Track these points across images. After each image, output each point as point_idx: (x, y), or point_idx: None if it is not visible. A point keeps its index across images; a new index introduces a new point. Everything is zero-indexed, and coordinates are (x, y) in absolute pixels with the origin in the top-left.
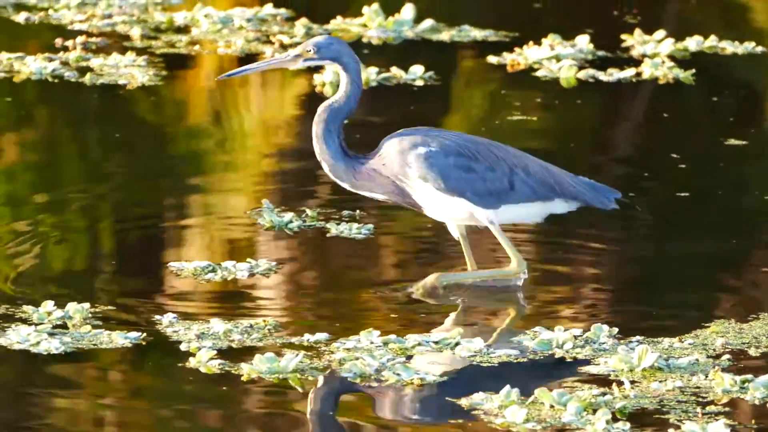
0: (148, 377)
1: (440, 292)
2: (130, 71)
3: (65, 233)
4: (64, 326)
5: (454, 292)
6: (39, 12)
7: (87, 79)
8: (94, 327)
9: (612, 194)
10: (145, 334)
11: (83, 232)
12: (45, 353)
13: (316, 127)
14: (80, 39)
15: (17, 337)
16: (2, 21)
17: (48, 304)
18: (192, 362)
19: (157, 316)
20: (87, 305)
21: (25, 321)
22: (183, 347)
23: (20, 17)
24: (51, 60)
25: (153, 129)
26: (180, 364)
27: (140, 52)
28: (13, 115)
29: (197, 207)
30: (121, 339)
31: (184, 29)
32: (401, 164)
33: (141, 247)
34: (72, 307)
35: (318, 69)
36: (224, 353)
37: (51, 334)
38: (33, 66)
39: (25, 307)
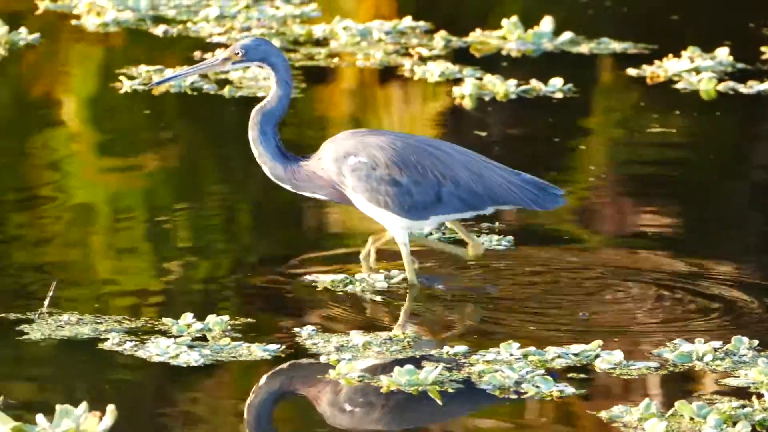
0: (286, 389)
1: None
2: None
3: (204, 246)
4: (204, 339)
5: (587, 308)
6: (178, 25)
7: (226, 91)
8: (234, 339)
9: (556, 191)
10: (284, 347)
11: (222, 245)
12: (184, 365)
13: (251, 132)
14: (219, 51)
15: (157, 350)
16: (141, 34)
17: (187, 317)
18: (332, 374)
19: (297, 329)
20: (226, 318)
21: (164, 333)
22: (322, 359)
23: (159, 30)
24: None
25: (292, 142)
26: (319, 376)
27: None
28: (152, 128)
29: (336, 221)
30: (260, 351)
31: (322, 42)
32: (337, 172)
33: (281, 259)
34: (211, 319)
35: (458, 81)
36: (364, 365)
37: (190, 347)
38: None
39: (164, 320)
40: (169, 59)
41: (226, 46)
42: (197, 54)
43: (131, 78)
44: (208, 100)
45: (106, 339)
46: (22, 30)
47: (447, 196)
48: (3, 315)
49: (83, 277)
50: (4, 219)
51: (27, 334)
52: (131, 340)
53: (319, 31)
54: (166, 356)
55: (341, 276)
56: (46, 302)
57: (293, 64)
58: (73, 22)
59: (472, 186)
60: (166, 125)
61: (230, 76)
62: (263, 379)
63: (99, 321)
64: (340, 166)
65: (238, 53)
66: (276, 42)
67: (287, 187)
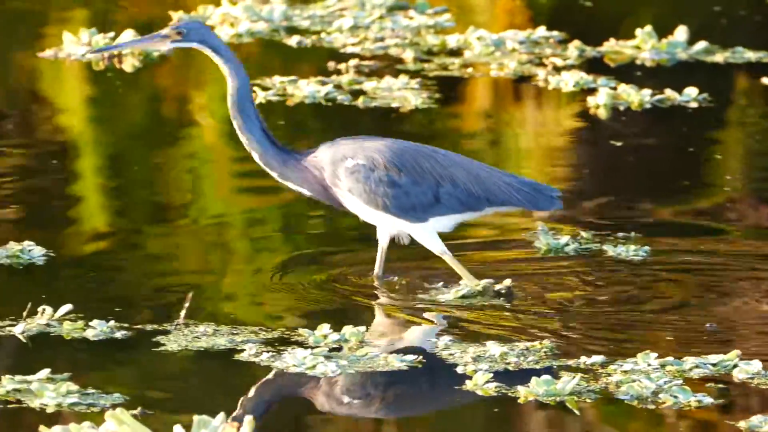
0: (423, 399)
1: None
2: (403, 94)
3: (340, 257)
4: (340, 349)
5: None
6: (311, 35)
7: (360, 102)
8: (371, 350)
9: (553, 192)
10: (420, 357)
11: (358, 255)
12: (321, 376)
13: (234, 121)
14: (353, 62)
15: (293, 360)
16: (275, 44)
17: (324, 328)
18: (468, 385)
19: (433, 339)
20: (363, 328)
21: (301, 344)
22: (459, 370)
23: (292, 41)
24: (324, 83)
25: None
26: (456, 387)
27: (413, 74)
28: (287, 138)
29: (472, 229)
30: (397, 362)
31: (456, 52)
32: (332, 175)
33: (416, 270)
34: (348, 330)
35: (592, 91)
36: (500, 375)
37: (327, 357)
38: (306, 89)
39: (300, 330)
40: (303, 70)
41: (359, 56)
42: (331, 64)
43: (265, 89)
44: (342, 111)
45: (242, 350)
46: None
47: (445, 197)
48: (140, 326)
49: (219, 288)
50: (141, 231)
51: (164, 345)
52: (268, 351)
53: (453, 41)
54: (303, 367)
55: (471, 286)
56: (183, 313)
57: (427, 74)
58: None
59: (471, 186)
60: (300, 136)
61: (365, 87)
62: (399, 390)
63: (235, 332)
64: (336, 169)
65: (179, 32)
66: (410, 52)
67: (274, 174)
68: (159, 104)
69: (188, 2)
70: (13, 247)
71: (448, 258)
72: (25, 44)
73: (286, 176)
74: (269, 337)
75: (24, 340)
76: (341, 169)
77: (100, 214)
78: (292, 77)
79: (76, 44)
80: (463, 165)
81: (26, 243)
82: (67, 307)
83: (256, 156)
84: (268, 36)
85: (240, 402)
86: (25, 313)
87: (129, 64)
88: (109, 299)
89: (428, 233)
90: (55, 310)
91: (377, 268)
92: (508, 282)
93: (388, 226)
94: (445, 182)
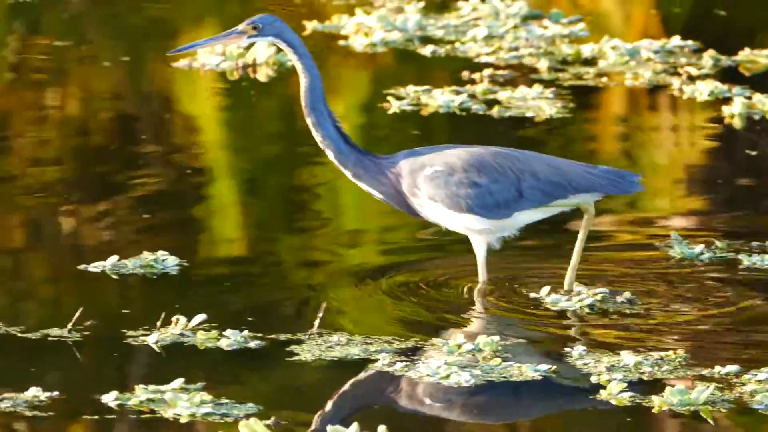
0: (557, 409)
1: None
2: (537, 104)
3: (474, 266)
4: (474, 359)
5: None
6: (446, 45)
7: (495, 111)
8: (504, 360)
9: (634, 177)
10: (555, 366)
11: (496, 265)
12: (455, 386)
13: (307, 119)
14: (487, 72)
15: (427, 370)
16: (409, 54)
17: (458, 337)
18: (602, 394)
19: (567, 348)
20: (497, 338)
21: (436, 354)
22: (593, 379)
23: (427, 50)
24: (458, 93)
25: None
26: (590, 396)
27: (548, 84)
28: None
29: (605, 236)
30: (531, 371)
31: (591, 61)
32: (411, 185)
33: (548, 278)
34: (482, 339)
35: (727, 100)
36: (635, 385)
37: (461, 367)
38: (440, 99)
39: (434, 340)
40: (437, 79)
41: (494, 66)
42: (465, 74)
43: (399, 98)
44: (476, 120)
45: (376, 359)
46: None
47: (528, 191)
48: (273, 336)
49: (353, 298)
50: (276, 241)
51: (297, 355)
52: (402, 361)
53: (587, 50)
54: (437, 376)
55: (601, 290)
56: (317, 323)
57: (562, 83)
58: (341, 42)
59: (552, 177)
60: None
61: (499, 96)
62: (533, 400)
63: (369, 342)
64: (416, 178)
65: (255, 27)
66: (544, 62)
67: (348, 173)
68: (293, 113)
69: (321, 12)
70: (147, 257)
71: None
72: (159, 54)
73: (359, 176)
74: (403, 346)
75: (158, 350)
76: (420, 177)
77: (234, 223)
78: (426, 87)
79: (210, 54)
80: (542, 159)
81: (160, 253)
82: (201, 316)
83: (330, 154)
84: (403, 45)
85: (374, 411)
86: (159, 323)
87: (263, 74)
88: (242, 309)
89: (482, 239)
90: (189, 320)
91: (482, 275)
92: (627, 294)
93: (471, 229)
94: (527, 176)
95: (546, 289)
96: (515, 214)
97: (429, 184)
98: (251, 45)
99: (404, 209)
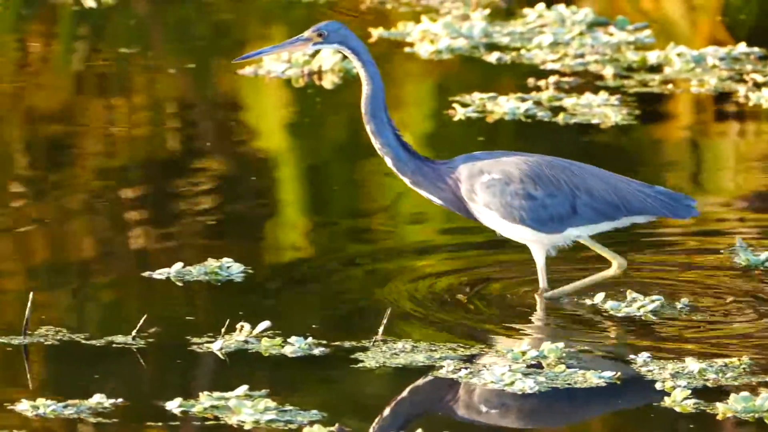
0: (621, 416)
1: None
2: (603, 111)
3: (521, 271)
4: (539, 366)
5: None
6: (511, 52)
7: (560, 118)
8: (569, 367)
9: (690, 201)
10: (619, 373)
11: (561, 274)
12: (519, 393)
13: (367, 126)
14: (553, 78)
15: (491, 377)
16: (475, 61)
17: (522, 344)
18: (666, 401)
19: (632, 355)
20: (561, 344)
21: (500, 361)
22: (657, 386)
23: (492, 57)
24: (524, 100)
25: (625, 169)
26: (654, 404)
27: (613, 91)
28: None
29: (668, 244)
30: (595, 378)
31: (656, 68)
32: (469, 190)
33: (612, 284)
34: (547, 346)
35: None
36: (699, 392)
37: (525, 374)
38: (506, 106)
39: (499, 347)
40: (503, 86)
41: (559, 73)
42: (531, 81)
43: (465, 105)
44: (542, 127)
45: (440, 366)
46: None
47: (582, 208)
48: (338, 343)
49: (417, 305)
50: (341, 249)
51: (362, 362)
52: (466, 368)
53: (653, 57)
54: (501, 383)
55: (655, 297)
56: (381, 330)
57: (627, 90)
58: (407, 49)
59: (607, 196)
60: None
61: (564, 103)
62: (597, 407)
63: (433, 349)
64: (473, 183)
65: (321, 34)
66: (610, 68)
67: (406, 180)
68: (358, 121)
69: (387, 19)
70: (211, 263)
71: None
72: (225, 61)
73: (419, 183)
74: (467, 353)
75: (222, 357)
76: (478, 183)
77: (299, 230)
78: (492, 94)
79: (276, 61)
80: (598, 176)
81: (225, 260)
82: (266, 323)
83: (389, 161)
84: (468, 52)
85: (437, 418)
86: (223, 330)
87: (329, 81)
88: (307, 315)
89: (538, 247)
90: (253, 327)
91: (542, 282)
92: (690, 300)
93: (524, 239)
94: (582, 193)
95: (601, 295)
96: (568, 229)
97: (485, 192)
98: (317, 52)
99: (463, 214)
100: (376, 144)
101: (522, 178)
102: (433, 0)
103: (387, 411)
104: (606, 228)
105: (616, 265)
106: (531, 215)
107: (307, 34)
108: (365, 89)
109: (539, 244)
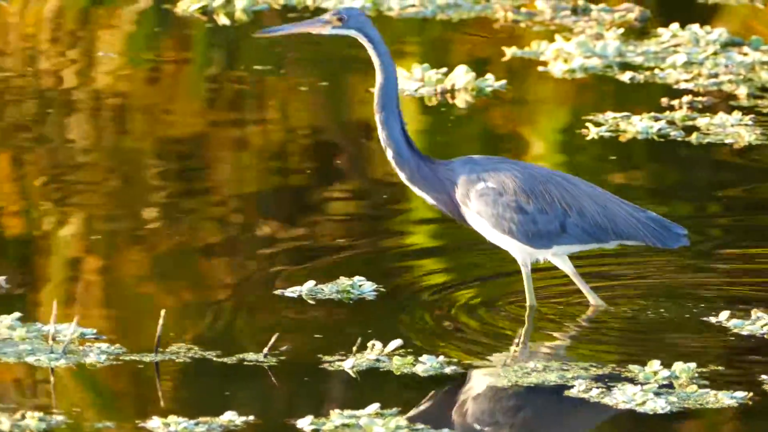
0: None
1: None
2: (736, 130)
3: (653, 289)
4: (670, 386)
5: None
6: (645, 71)
7: (693, 138)
8: (701, 387)
9: (680, 231)
10: (751, 394)
11: (662, 287)
12: (651, 413)
13: (377, 115)
14: (686, 98)
15: (623, 397)
16: (608, 80)
17: (654, 364)
18: None
19: (763, 375)
20: (693, 365)
21: (631, 381)
22: None
23: (625, 76)
24: (657, 119)
25: (756, 189)
26: None
27: (747, 111)
28: (619, 173)
29: (725, 255)
30: (727, 399)
31: None
32: (463, 195)
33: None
34: (678, 366)
35: None
36: None
37: (657, 394)
38: (639, 125)
39: (630, 367)
40: (636, 106)
41: (693, 92)
42: (664, 100)
43: (598, 124)
44: (675, 146)
45: (572, 386)
46: (489, 76)
47: (571, 227)
48: (469, 362)
49: (551, 324)
50: (473, 268)
51: (494, 380)
52: (597, 387)
53: None
54: (633, 403)
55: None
56: (512, 350)
57: (761, 110)
58: (540, 68)
59: (597, 219)
60: (633, 171)
61: (698, 123)
62: (728, 428)
63: (566, 368)
64: (468, 189)
65: (340, 19)
66: (744, 88)
67: (403, 176)
68: (492, 138)
69: (521, 38)
70: (343, 282)
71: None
72: (359, 79)
73: (415, 180)
74: (599, 373)
75: (353, 375)
76: (472, 190)
77: (431, 249)
78: (625, 113)
79: (409, 79)
80: (592, 195)
81: (357, 278)
82: (397, 342)
83: (389, 153)
84: (602, 71)
85: None
86: (354, 348)
87: (461, 99)
88: (438, 334)
89: (527, 260)
90: (384, 345)
91: (529, 298)
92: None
93: (510, 250)
94: (573, 212)
95: (726, 313)
96: (554, 246)
97: (478, 200)
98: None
99: (455, 216)
100: (382, 135)
101: (516, 191)
102: (567, 19)
103: (520, 430)
104: (593, 247)
105: (593, 304)
106: (520, 229)
107: (327, 17)
108: (378, 79)
109: (524, 256)
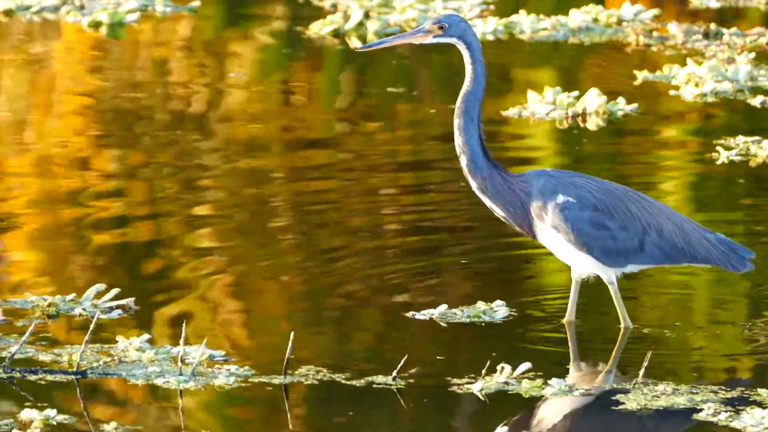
0: None
1: None
2: None
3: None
4: None
5: None
6: None
7: None
8: None
9: (746, 254)
10: None
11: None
12: None
13: (457, 120)
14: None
15: (751, 420)
16: (738, 104)
17: None
18: None
19: None
20: None
21: (760, 404)
22: None
23: (756, 101)
24: None
25: None
26: None
27: None
28: (747, 197)
29: None
30: None
31: None
32: (539, 208)
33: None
34: None
35: None
36: None
37: None
38: None
39: (760, 390)
40: (767, 130)
41: None
42: None
43: (728, 149)
44: None
45: (701, 409)
46: (620, 100)
47: (649, 246)
48: (597, 384)
49: (678, 347)
50: (601, 290)
51: (623, 404)
52: (726, 411)
53: None
54: (761, 427)
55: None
56: (642, 372)
57: None
58: (671, 92)
59: (675, 239)
60: (762, 196)
61: None
62: None
63: (695, 391)
64: (546, 203)
65: (441, 27)
66: None
67: (474, 184)
68: (622, 162)
69: (653, 62)
70: (480, 306)
71: (614, 290)
72: (488, 102)
73: (486, 190)
74: (728, 396)
75: (482, 398)
76: (549, 204)
77: (563, 273)
78: (756, 137)
79: (540, 102)
80: (668, 215)
81: (496, 303)
82: (526, 365)
83: (464, 160)
84: (733, 96)
85: None
86: (483, 371)
87: (593, 123)
88: (566, 358)
89: (613, 272)
90: (514, 368)
91: (569, 313)
92: None
93: (582, 267)
94: (652, 231)
95: None
96: (630, 265)
97: (557, 214)
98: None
99: (525, 230)
100: (458, 141)
101: (596, 205)
102: (699, 43)
103: None
104: (660, 267)
105: (623, 326)
106: (599, 245)
107: (427, 26)
108: (466, 85)
109: (608, 273)
